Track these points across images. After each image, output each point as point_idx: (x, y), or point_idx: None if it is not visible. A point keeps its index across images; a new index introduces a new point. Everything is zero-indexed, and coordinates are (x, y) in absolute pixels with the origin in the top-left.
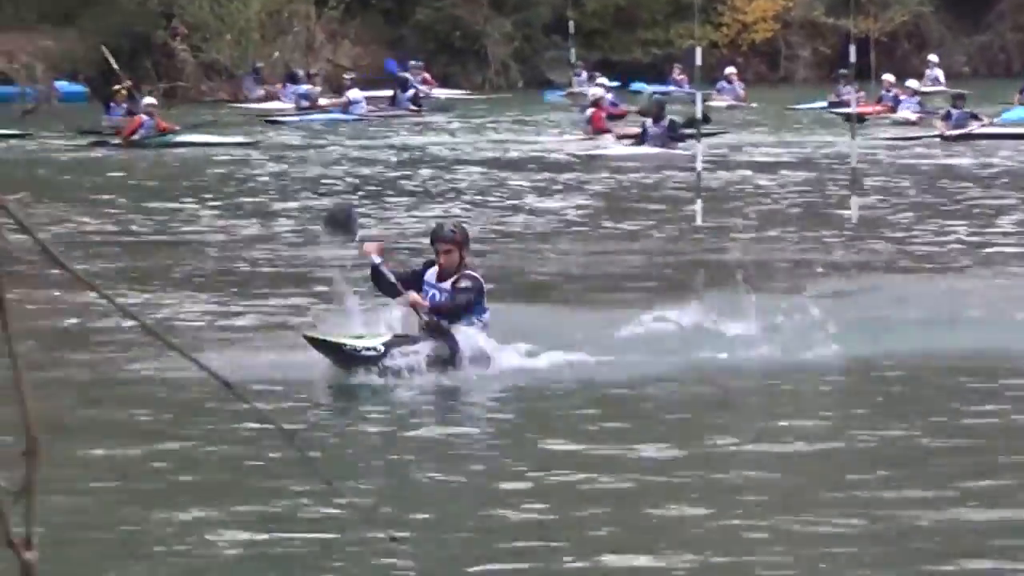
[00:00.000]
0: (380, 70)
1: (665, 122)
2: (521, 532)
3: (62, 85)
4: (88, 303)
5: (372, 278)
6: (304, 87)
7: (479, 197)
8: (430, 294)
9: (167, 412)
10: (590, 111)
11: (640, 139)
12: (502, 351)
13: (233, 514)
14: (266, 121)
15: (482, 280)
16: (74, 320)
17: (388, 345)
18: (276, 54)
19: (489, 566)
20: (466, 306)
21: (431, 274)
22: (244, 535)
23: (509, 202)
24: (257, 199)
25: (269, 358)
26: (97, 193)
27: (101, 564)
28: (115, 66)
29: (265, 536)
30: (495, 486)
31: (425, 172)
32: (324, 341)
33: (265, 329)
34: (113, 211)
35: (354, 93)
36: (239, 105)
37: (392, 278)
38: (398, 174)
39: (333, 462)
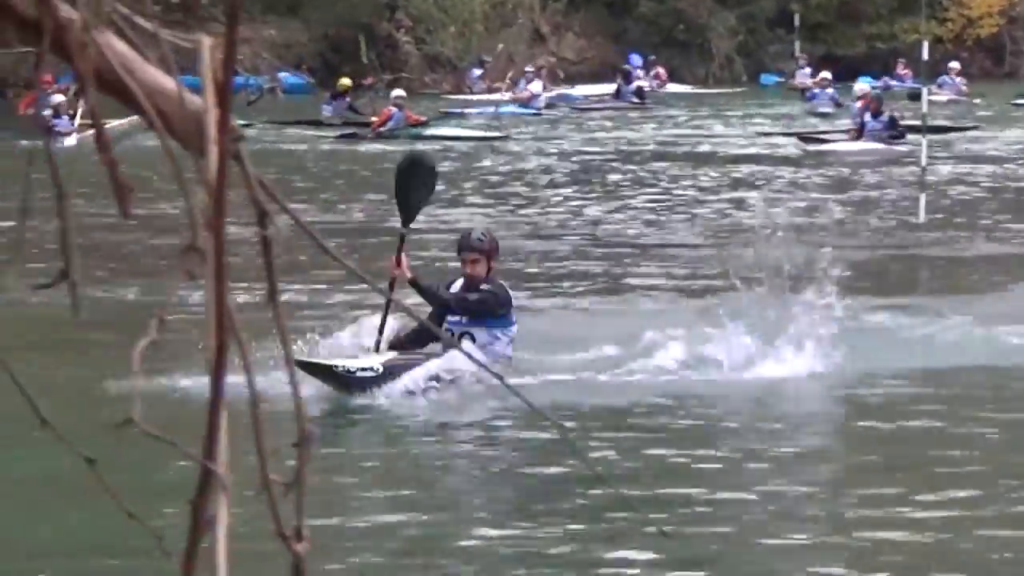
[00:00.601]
0: (604, 63)
1: (885, 117)
2: (525, 558)
3: (285, 76)
4: (349, 299)
5: (418, 292)
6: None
7: (693, 192)
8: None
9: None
10: (858, 104)
11: (858, 134)
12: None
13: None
14: (446, 113)
15: (508, 292)
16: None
17: (387, 366)
18: (500, 46)
19: None
20: (481, 308)
21: (456, 288)
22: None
23: (727, 196)
24: (499, 189)
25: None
26: (348, 184)
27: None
28: (364, 59)
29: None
30: (501, 516)
31: (656, 165)
32: (315, 364)
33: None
34: (363, 202)
35: (535, 86)
36: (460, 97)
37: (432, 286)
38: (620, 166)
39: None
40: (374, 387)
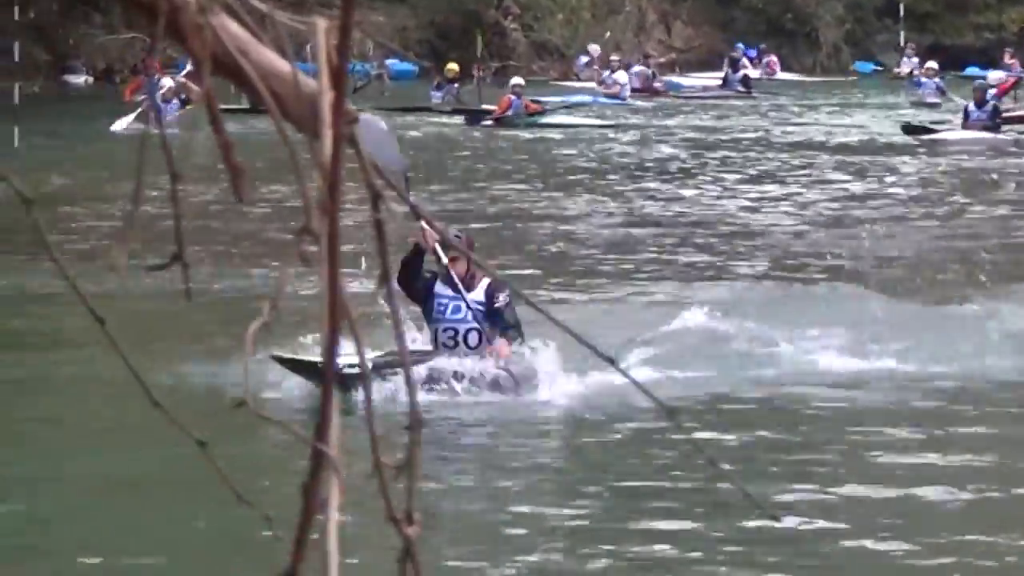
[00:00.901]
0: (711, 51)
1: (988, 107)
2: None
3: (392, 63)
4: None
5: (407, 265)
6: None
7: (795, 177)
8: (451, 306)
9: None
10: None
11: (964, 123)
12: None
13: None
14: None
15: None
16: None
17: (376, 364)
18: (607, 34)
19: None
20: (509, 322)
21: (441, 286)
22: None
23: (825, 185)
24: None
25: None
26: (467, 170)
27: None
28: (478, 51)
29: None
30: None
31: (761, 153)
32: (297, 361)
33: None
34: (486, 187)
35: (621, 76)
36: (568, 84)
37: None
38: (727, 154)
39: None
40: (360, 384)
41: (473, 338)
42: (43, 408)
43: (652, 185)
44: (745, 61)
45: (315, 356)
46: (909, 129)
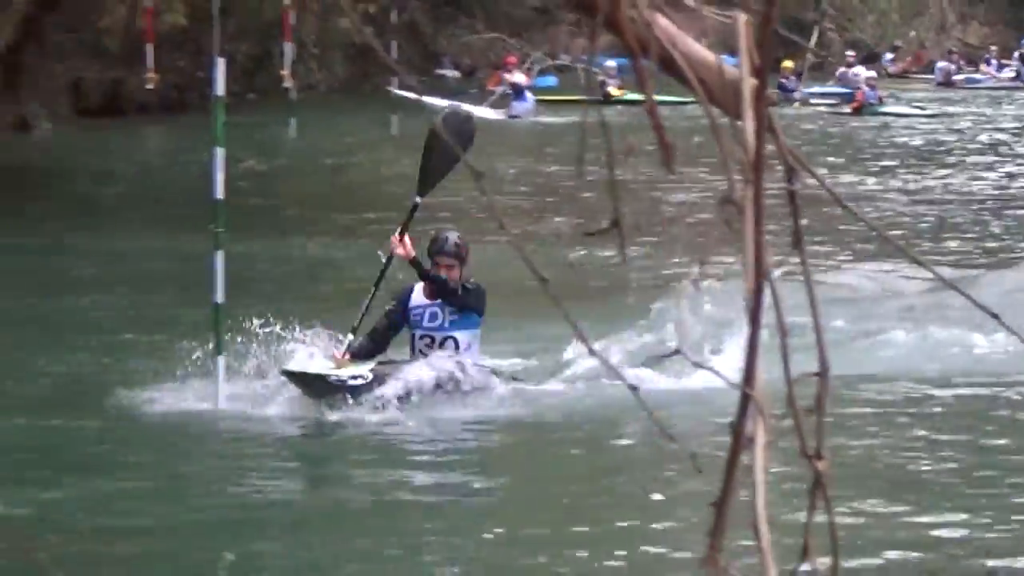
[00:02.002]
0: (1004, 48)
1: None
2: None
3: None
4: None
5: (420, 275)
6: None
7: None
8: (427, 313)
9: None
10: None
11: None
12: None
13: None
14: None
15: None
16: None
17: (376, 373)
18: (912, 33)
19: None
20: (478, 305)
21: (418, 295)
22: None
23: None
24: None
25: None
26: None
27: None
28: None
29: None
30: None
31: None
32: (304, 374)
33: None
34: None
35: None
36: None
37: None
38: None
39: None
40: (366, 394)
41: (450, 345)
42: None
43: (958, 166)
44: None
45: (326, 368)
46: None
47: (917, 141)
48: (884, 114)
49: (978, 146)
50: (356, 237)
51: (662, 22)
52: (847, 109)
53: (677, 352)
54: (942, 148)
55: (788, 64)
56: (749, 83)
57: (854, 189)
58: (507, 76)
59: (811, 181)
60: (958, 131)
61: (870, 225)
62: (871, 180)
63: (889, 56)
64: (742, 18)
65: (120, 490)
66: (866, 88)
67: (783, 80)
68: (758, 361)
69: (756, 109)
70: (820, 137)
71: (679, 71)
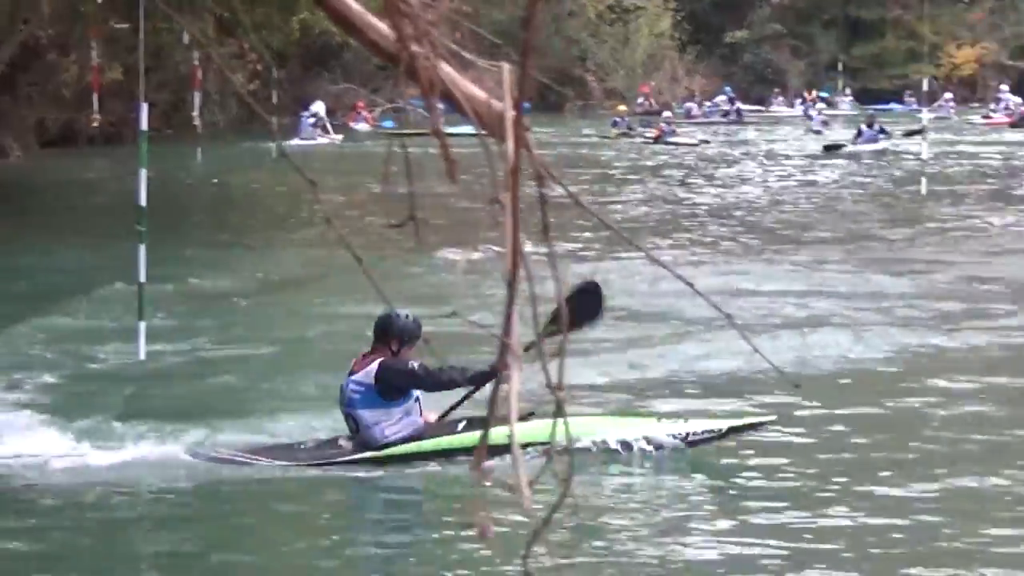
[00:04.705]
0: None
1: None
2: None
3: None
4: None
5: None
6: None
7: None
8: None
9: None
10: None
11: None
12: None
13: None
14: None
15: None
16: None
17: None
18: (652, 83)
19: None
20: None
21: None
22: None
23: None
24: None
25: None
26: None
27: None
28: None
29: None
30: None
31: None
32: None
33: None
34: None
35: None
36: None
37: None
38: None
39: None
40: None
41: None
42: None
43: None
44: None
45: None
46: None
47: (689, 160)
48: (671, 143)
49: (716, 165)
50: (240, 231)
51: (447, 69)
52: (651, 137)
53: (454, 314)
54: (684, 166)
55: (622, 108)
56: (510, 114)
57: (604, 194)
58: (352, 125)
59: (557, 188)
60: (708, 156)
61: (603, 222)
62: (628, 188)
63: (640, 100)
64: (506, 67)
65: None
66: (664, 125)
67: (616, 119)
68: (516, 318)
69: (515, 133)
70: (618, 157)
71: (460, 106)
